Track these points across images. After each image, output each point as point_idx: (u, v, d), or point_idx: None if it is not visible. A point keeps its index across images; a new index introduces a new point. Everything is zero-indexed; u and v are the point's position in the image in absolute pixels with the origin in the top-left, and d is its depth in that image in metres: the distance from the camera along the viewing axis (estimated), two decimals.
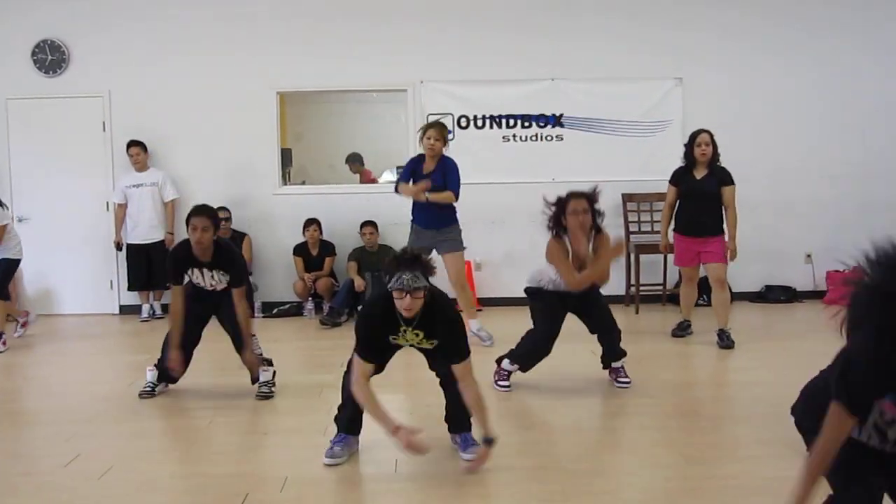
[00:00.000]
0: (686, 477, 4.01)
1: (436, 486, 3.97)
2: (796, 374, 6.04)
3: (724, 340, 7.01)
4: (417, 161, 7.47)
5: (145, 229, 9.32)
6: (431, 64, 9.64)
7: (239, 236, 9.38)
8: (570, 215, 5.47)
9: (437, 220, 7.34)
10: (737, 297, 8.16)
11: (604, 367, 5.87)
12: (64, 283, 9.62)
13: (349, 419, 4.45)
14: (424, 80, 9.66)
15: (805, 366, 6.47)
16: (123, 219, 9.36)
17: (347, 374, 4.36)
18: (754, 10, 9.63)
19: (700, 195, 7.06)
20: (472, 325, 7.34)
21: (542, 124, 9.63)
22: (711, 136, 7.07)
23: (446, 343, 4.18)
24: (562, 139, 9.48)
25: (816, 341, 7.17)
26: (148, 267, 9.30)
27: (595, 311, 5.73)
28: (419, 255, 3.96)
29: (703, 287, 8.34)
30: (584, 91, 9.50)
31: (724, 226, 7.10)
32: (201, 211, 5.58)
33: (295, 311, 9.38)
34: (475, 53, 9.58)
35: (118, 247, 9.38)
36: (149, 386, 5.82)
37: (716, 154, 7.07)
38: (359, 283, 8.89)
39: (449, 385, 4.32)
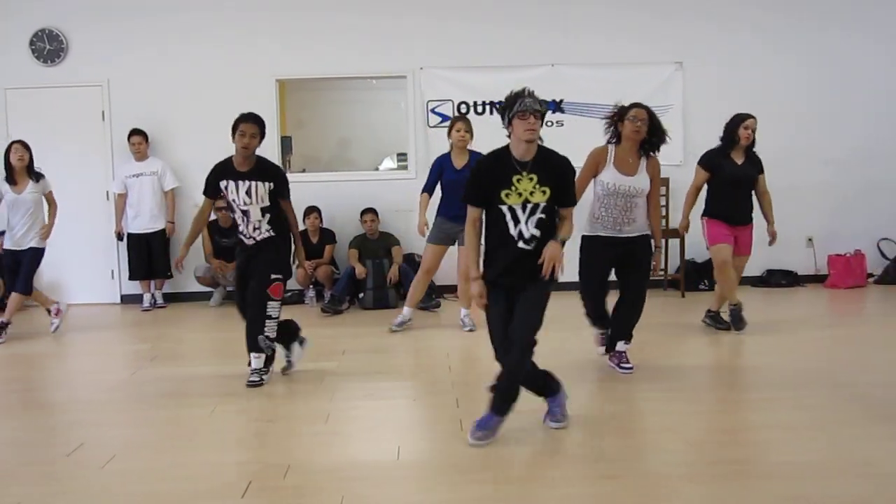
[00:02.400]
0: (689, 462, 4.02)
1: (438, 471, 3.97)
2: (798, 359, 6.08)
3: (720, 322, 7.15)
4: (445, 158, 7.43)
5: (146, 219, 9.32)
6: (431, 50, 9.62)
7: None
8: (628, 121, 5.57)
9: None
10: (738, 281, 8.13)
11: (606, 351, 5.88)
12: (65, 273, 9.62)
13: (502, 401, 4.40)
14: (424, 66, 9.64)
15: (807, 350, 6.51)
16: (124, 208, 9.37)
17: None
18: None
19: (743, 182, 6.94)
20: (462, 310, 7.62)
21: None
22: (756, 122, 6.95)
23: (560, 187, 4.33)
24: (562, 125, 9.46)
25: (818, 326, 7.21)
26: (149, 256, 9.31)
27: (633, 275, 5.76)
28: (532, 91, 4.28)
29: (708, 272, 8.33)
30: (584, 76, 9.48)
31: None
32: (249, 117, 5.66)
33: (296, 299, 9.37)
34: (475, 40, 9.56)
35: (119, 236, 9.38)
36: (255, 375, 5.71)
37: (754, 140, 6.98)
38: (360, 271, 8.89)
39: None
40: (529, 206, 4.27)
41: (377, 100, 12.45)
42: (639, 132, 5.55)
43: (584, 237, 5.78)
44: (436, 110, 9.68)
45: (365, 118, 12.55)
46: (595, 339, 6.11)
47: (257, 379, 5.65)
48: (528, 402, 5.02)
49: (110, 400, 5.52)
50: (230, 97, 9.42)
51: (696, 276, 9.44)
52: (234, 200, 5.67)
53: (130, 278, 9.46)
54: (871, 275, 9.79)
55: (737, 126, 6.89)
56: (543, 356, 4.42)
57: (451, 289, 9.54)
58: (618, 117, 5.67)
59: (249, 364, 5.71)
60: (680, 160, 9.09)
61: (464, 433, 4.47)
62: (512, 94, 4.29)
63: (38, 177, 7.76)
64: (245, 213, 5.67)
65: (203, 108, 9.52)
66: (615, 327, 5.83)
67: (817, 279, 9.65)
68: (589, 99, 9.41)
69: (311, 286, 9.37)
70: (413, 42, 9.61)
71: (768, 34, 9.63)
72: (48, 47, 9.51)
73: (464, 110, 9.63)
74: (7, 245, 7.79)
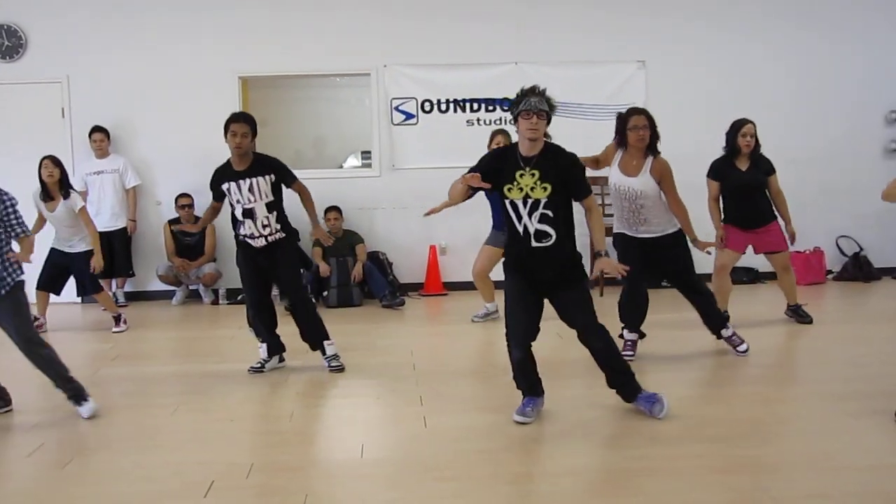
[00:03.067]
0: (650, 457, 4.05)
1: (403, 469, 3.98)
2: (759, 355, 6.15)
3: (803, 315, 7.29)
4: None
5: (107, 217, 9.21)
6: (394, 48, 9.61)
7: None
8: (630, 130, 5.70)
9: None
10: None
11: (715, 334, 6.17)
12: (24, 272, 9.45)
13: (529, 385, 4.64)
14: (388, 63, 9.63)
15: (768, 346, 6.58)
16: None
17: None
18: None
19: (751, 187, 7.01)
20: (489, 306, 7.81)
21: (506, 108, 9.58)
22: (755, 126, 6.99)
23: (569, 182, 4.43)
24: None
25: (778, 322, 7.30)
26: (110, 254, 9.18)
27: (682, 275, 5.99)
28: (544, 90, 4.44)
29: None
30: (547, 75, 9.49)
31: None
32: (240, 117, 5.73)
33: None
34: (438, 37, 9.57)
35: None
36: (259, 363, 5.91)
37: (758, 144, 7.01)
38: (324, 269, 8.86)
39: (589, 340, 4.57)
40: (530, 201, 4.37)
41: (341, 97, 12.41)
42: (643, 139, 5.70)
43: (615, 233, 6.00)
44: (400, 108, 9.68)
45: (329, 116, 12.50)
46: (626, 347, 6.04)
47: (339, 364, 5.89)
48: (493, 401, 5.04)
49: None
50: (192, 94, 9.39)
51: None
52: (238, 201, 5.69)
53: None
54: (829, 272, 9.92)
55: (735, 135, 6.95)
56: (546, 351, 4.44)
57: (416, 287, 9.56)
58: (621, 126, 5.79)
59: (324, 353, 5.94)
60: None
61: (428, 430, 4.48)
62: (521, 91, 4.43)
63: (66, 193, 7.55)
64: (250, 211, 5.68)
65: (165, 105, 9.44)
66: (709, 319, 6.09)
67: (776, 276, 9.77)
68: (553, 97, 9.42)
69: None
70: (377, 39, 9.59)
71: (731, 32, 9.72)
72: (6, 43, 9.38)
73: (427, 108, 9.64)
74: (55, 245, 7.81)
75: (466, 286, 9.43)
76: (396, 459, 4.14)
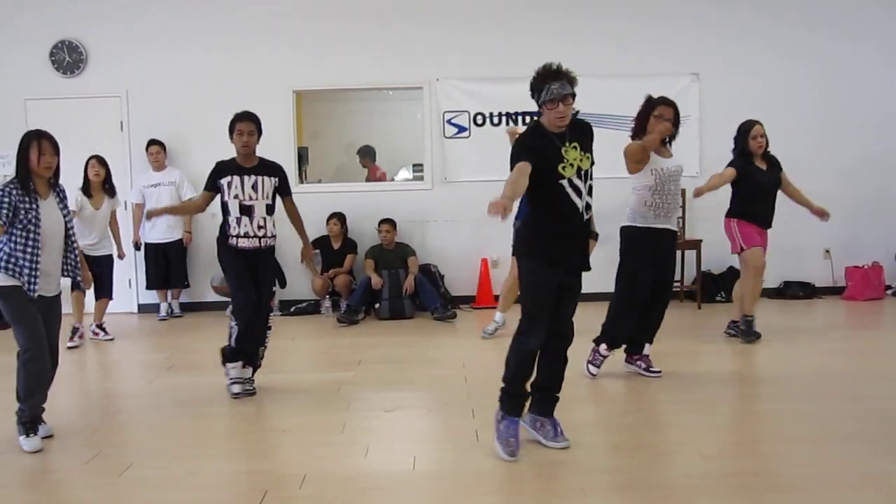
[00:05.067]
0: (703, 474, 4.00)
1: (454, 483, 3.97)
2: (814, 371, 6.05)
3: (748, 330, 7.00)
4: None
5: (163, 229, 9.36)
6: (447, 61, 9.65)
7: None
8: (655, 117, 5.64)
9: None
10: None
11: (630, 354, 5.93)
12: None
13: (523, 394, 4.42)
14: (440, 77, 9.66)
15: (824, 362, 6.48)
16: (142, 218, 9.41)
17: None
18: (768, 9, 9.62)
19: (772, 187, 7.00)
20: (497, 315, 7.68)
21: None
22: (763, 126, 6.98)
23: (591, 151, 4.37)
24: None
25: (836, 338, 7.16)
26: (166, 266, 9.36)
27: (670, 272, 5.92)
28: (560, 66, 4.33)
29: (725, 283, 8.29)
30: (599, 87, 9.45)
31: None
32: (245, 116, 5.77)
33: (312, 309, 9.40)
34: (490, 51, 9.58)
35: (136, 246, 9.42)
36: (237, 382, 5.68)
37: (767, 143, 6.99)
38: (376, 281, 8.90)
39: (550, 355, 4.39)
40: (583, 173, 4.26)
41: (393, 111, 12.49)
42: (663, 133, 5.66)
43: (632, 229, 5.78)
44: (452, 121, 9.71)
45: (381, 129, 12.57)
46: (596, 358, 5.91)
47: (252, 388, 5.67)
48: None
49: (127, 409, 5.55)
50: (247, 108, 9.40)
51: (713, 286, 9.39)
52: (236, 196, 5.62)
53: (148, 287, 9.51)
54: (888, 287, 9.72)
55: (745, 138, 6.94)
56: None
57: (468, 300, 9.55)
58: (644, 112, 5.75)
59: (236, 372, 5.68)
60: (696, 171, 9.08)
61: (480, 444, 4.47)
62: (539, 73, 4.31)
63: (112, 192, 7.94)
64: (248, 208, 5.60)
65: (220, 119, 9.45)
66: (642, 328, 5.85)
67: (835, 291, 9.60)
68: (605, 110, 9.37)
69: (327, 296, 9.38)
70: (429, 53, 9.64)
71: (783, 46, 9.61)
72: (68, 58, 9.60)
73: (479, 122, 9.66)
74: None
75: (517, 299, 9.42)
76: (448, 473, 4.13)
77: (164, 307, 9.46)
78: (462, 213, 9.62)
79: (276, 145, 9.71)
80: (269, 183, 5.67)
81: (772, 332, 7.19)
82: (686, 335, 7.46)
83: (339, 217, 9.32)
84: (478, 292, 9.59)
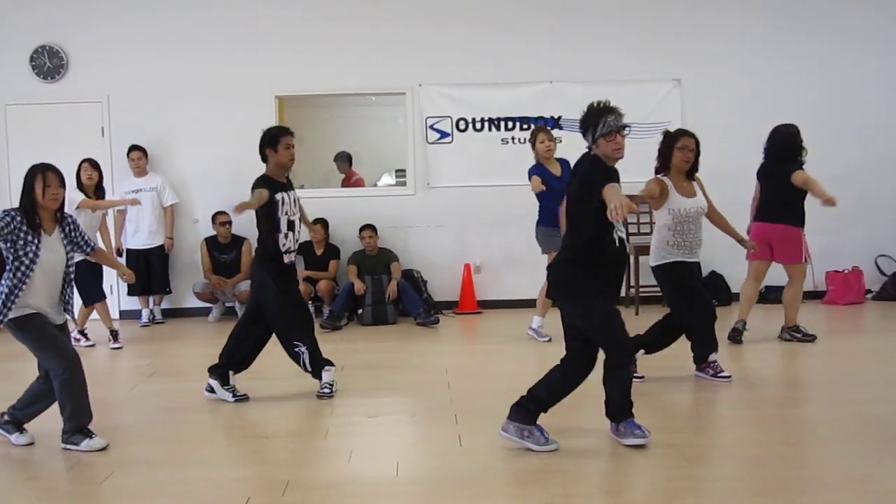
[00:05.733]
0: (689, 477, 4.01)
1: (437, 488, 3.97)
2: (797, 375, 6.09)
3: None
4: (540, 168, 7.34)
5: (145, 234, 9.32)
6: (430, 67, 9.66)
7: (239, 241, 9.40)
8: (679, 150, 5.71)
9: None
10: (736, 298, 8.13)
11: (698, 363, 5.97)
12: None
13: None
14: (423, 83, 9.67)
15: (806, 367, 6.51)
16: (123, 224, 9.37)
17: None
18: (752, 12, 9.67)
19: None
20: (535, 319, 7.57)
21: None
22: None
23: None
24: (561, 141, 9.42)
25: (818, 343, 7.20)
26: (147, 272, 9.30)
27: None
28: (612, 105, 4.30)
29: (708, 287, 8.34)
30: (582, 93, 9.38)
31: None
32: (289, 130, 5.74)
33: None
34: (473, 56, 9.59)
35: (118, 252, 9.36)
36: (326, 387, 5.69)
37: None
38: (358, 287, 8.89)
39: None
40: None
41: (376, 116, 12.49)
42: (689, 161, 5.73)
43: (666, 265, 5.85)
44: (434, 126, 9.71)
45: (364, 135, 12.57)
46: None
47: (329, 391, 5.66)
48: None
49: (108, 415, 5.51)
50: (230, 114, 9.48)
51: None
52: (286, 213, 5.63)
53: (129, 294, 9.45)
54: (869, 291, 9.78)
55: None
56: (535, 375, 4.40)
57: (451, 305, 9.55)
58: (666, 147, 5.79)
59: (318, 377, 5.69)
60: None
61: (463, 449, 4.48)
62: (593, 109, 4.32)
63: (103, 196, 8.02)
64: (293, 224, 5.66)
65: (203, 125, 9.55)
66: (706, 341, 5.90)
67: (815, 295, 9.64)
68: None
69: (309, 302, 9.36)
70: (412, 59, 9.64)
71: (767, 51, 9.66)
72: (48, 63, 9.55)
73: (462, 127, 9.67)
74: None
75: (501, 304, 9.45)
76: (431, 478, 4.14)
77: (145, 313, 9.40)
78: (445, 219, 9.63)
79: (258, 151, 9.71)
80: (297, 197, 5.78)
81: (754, 337, 7.22)
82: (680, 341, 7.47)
83: (322, 223, 9.29)
84: (461, 298, 9.58)
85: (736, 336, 7.10)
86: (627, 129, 4.28)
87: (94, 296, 7.90)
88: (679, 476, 4.03)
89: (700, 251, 5.90)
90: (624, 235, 4.38)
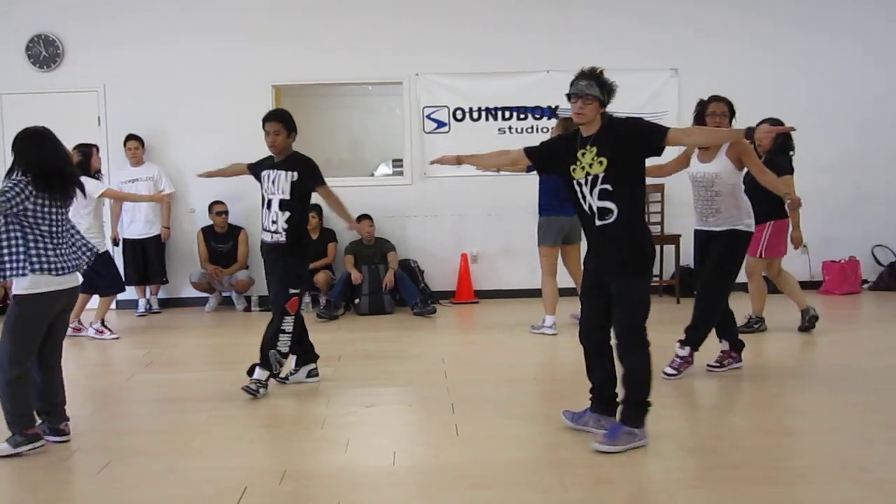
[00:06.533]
0: (685, 468, 4.02)
1: (434, 477, 3.97)
2: (793, 364, 6.09)
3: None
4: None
5: (141, 224, 9.32)
6: (427, 56, 9.64)
7: (235, 230, 9.40)
8: (709, 117, 5.73)
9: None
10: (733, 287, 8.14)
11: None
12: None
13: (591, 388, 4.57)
14: (420, 72, 9.65)
15: (803, 356, 6.52)
16: (119, 214, 9.36)
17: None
18: (748, 3, 9.69)
19: None
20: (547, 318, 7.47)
21: (537, 116, 9.66)
22: None
23: (639, 139, 4.32)
24: None
25: (814, 332, 7.21)
26: (144, 262, 9.30)
27: (714, 262, 5.78)
28: (596, 69, 4.45)
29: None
30: None
31: None
32: (271, 116, 5.69)
33: None
34: (470, 46, 9.58)
35: (115, 242, 9.36)
36: (254, 384, 5.56)
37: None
38: (356, 276, 8.89)
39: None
40: (590, 177, 4.30)
41: (373, 106, 12.48)
42: (720, 125, 5.69)
43: (695, 231, 5.92)
44: (431, 116, 9.70)
45: (361, 124, 12.56)
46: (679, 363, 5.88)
47: (255, 388, 5.46)
48: (525, 409, 5.04)
49: (105, 405, 5.52)
50: (227, 103, 9.46)
51: (692, 281, 9.39)
52: (265, 190, 5.66)
53: (126, 284, 9.42)
54: (865, 281, 9.81)
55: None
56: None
57: (448, 295, 9.56)
58: (698, 114, 5.86)
59: (251, 372, 5.56)
60: None
61: (460, 439, 4.48)
62: (577, 73, 4.45)
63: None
64: (269, 203, 5.62)
65: (199, 114, 9.53)
66: (696, 331, 5.85)
67: (812, 285, 9.66)
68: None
69: (307, 291, 9.35)
70: (409, 48, 9.63)
71: (763, 41, 9.67)
72: (44, 53, 9.52)
73: (459, 116, 9.66)
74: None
75: (497, 294, 9.46)
76: (428, 467, 4.14)
77: (142, 303, 9.41)
78: (442, 209, 9.64)
79: (255, 141, 9.70)
80: (284, 178, 5.59)
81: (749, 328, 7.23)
82: (665, 330, 7.47)
83: (315, 210, 9.27)
84: (458, 287, 9.59)
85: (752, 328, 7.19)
86: (587, 97, 4.30)
87: (112, 287, 7.89)
88: (675, 466, 4.04)
89: (719, 221, 5.68)
90: (595, 207, 4.28)
